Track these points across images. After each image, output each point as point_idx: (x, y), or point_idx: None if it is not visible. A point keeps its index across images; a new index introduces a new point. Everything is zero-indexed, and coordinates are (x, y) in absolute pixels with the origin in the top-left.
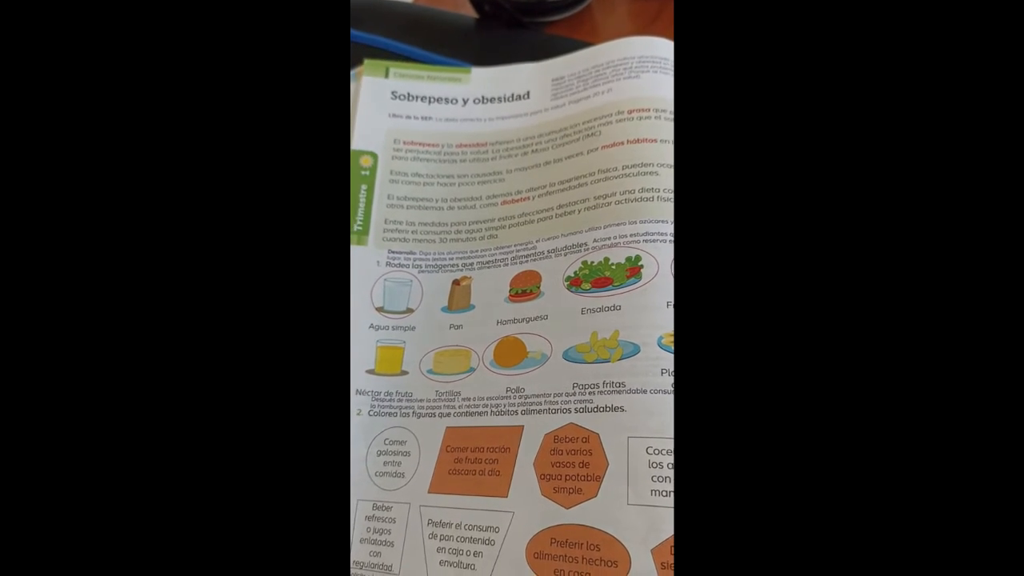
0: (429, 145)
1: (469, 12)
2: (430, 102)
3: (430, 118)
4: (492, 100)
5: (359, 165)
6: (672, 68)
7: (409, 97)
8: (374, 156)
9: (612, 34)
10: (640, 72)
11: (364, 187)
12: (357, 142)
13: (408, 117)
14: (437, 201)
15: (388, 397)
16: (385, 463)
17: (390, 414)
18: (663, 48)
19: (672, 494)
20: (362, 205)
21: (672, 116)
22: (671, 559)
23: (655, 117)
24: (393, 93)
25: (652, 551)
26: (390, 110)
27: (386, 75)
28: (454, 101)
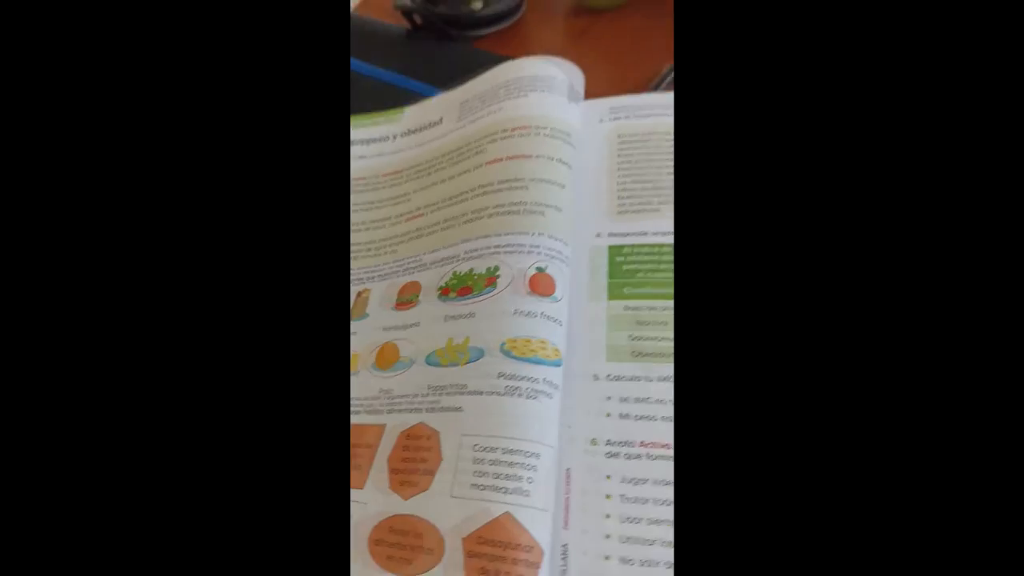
0: (359, 179)
1: (402, 23)
2: (367, 144)
3: (364, 157)
4: (414, 131)
5: None
6: (558, 87)
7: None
8: None
9: (539, 49)
10: (528, 91)
11: None
12: None
13: None
14: (356, 225)
15: None
16: None
17: None
18: (552, 68)
19: (487, 488)
20: None
21: (552, 133)
22: (477, 548)
23: (534, 134)
24: None
25: (462, 539)
26: None
27: None
28: (385, 139)
